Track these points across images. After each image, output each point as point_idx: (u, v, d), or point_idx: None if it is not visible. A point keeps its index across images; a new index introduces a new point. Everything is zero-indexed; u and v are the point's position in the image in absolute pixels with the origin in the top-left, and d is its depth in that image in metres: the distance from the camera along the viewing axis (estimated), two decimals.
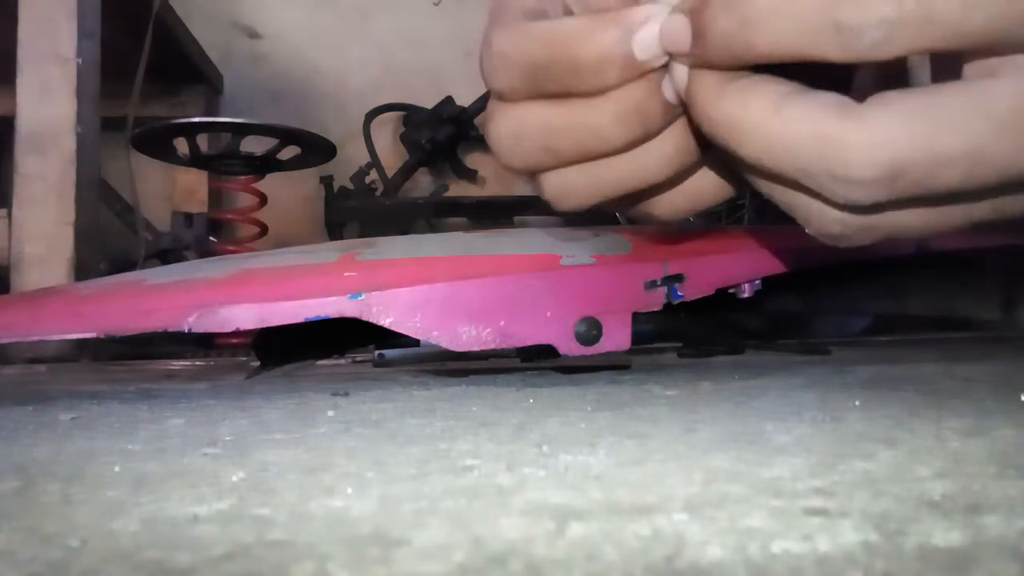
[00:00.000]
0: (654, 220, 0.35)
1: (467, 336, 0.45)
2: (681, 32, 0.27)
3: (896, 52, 0.24)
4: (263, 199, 1.35)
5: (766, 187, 0.29)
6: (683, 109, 0.29)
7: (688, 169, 0.32)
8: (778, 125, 0.26)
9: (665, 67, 0.29)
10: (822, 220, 0.28)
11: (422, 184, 1.81)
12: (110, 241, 1.39)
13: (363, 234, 1.58)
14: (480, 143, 1.79)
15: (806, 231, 0.29)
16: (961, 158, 0.24)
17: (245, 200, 1.44)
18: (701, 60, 0.27)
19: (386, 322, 0.45)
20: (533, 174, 0.32)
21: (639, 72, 0.28)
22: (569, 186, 0.32)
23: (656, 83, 0.29)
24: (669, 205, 0.34)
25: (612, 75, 0.28)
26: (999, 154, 0.24)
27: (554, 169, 0.32)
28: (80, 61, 1.02)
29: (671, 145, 0.30)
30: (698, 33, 0.27)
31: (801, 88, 0.26)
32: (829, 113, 0.25)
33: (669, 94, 0.29)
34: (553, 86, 0.29)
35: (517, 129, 0.30)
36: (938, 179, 0.25)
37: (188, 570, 0.15)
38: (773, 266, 0.50)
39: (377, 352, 0.69)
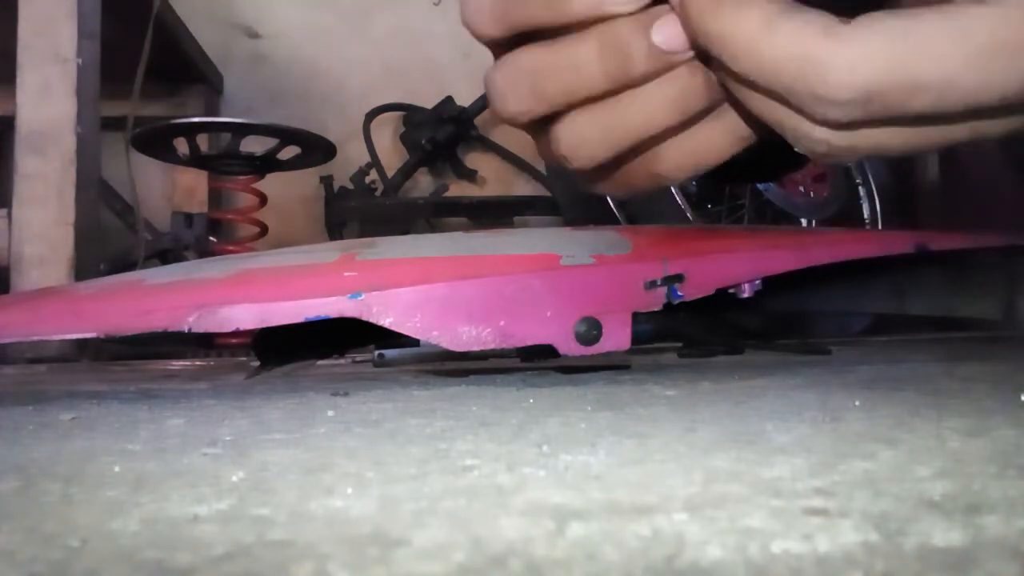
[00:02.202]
0: (663, 181, 0.35)
1: (467, 336, 0.45)
2: None
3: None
4: (263, 199, 1.35)
5: (757, 103, 0.29)
6: (693, 55, 0.30)
7: (696, 117, 0.32)
8: (767, 43, 0.26)
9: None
10: (808, 137, 0.28)
11: (422, 184, 1.81)
12: (110, 241, 1.39)
13: (363, 234, 1.58)
14: (480, 143, 1.80)
15: (795, 151, 0.29)
16: (933, 85, 0.25)
17: (245, 200, 1.44)
18: None
19: (386, 322, 0.45)
20: (531, 128, 0.33)
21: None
22: (581, 137, 0.32)
23: (642, 24, 0.29)
24: (676, 161, 0.34)
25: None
26: (970, 84, 0.24)
27: (546, 115, 0.32)
28: (80, 61, 1.02)
29: (676, 87, 0.31)
30: None
31: (793, 6, 0.26)
32: (814, 32, 0.25)
33: (659, 38, 0.29)
34: (528, 14, 0.30)
35: (507, 74, 0.31)
36: (909, 103, 0.25)
37: (188, 570, 0.15)
38: (773, 266, 0.50)
39: (377, 352, 0.69)
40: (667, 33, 0.29)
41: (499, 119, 0.32)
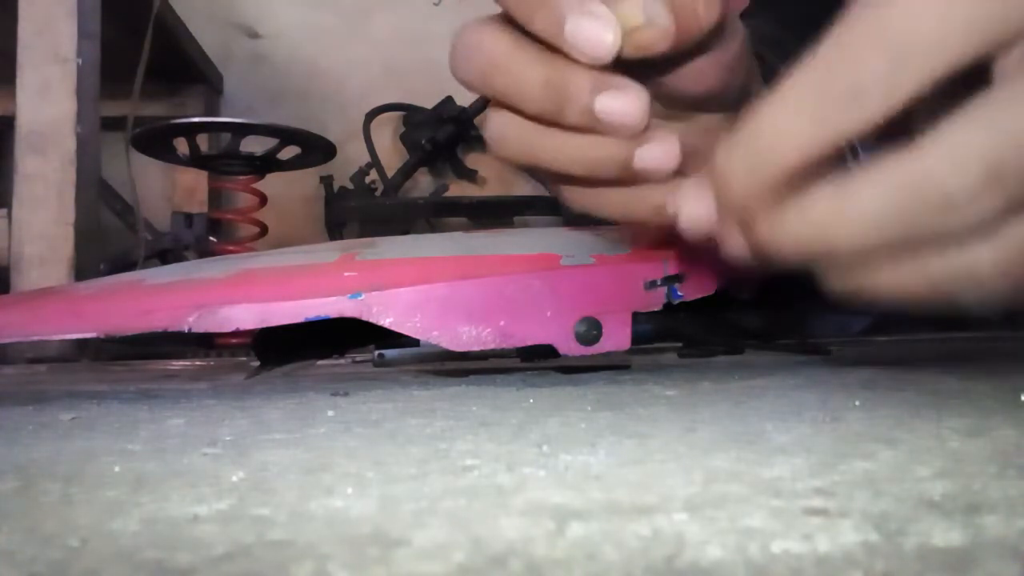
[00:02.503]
0: (594, 212, 0.36)
1: (467, 336, 0.45)
2: (704, 211, 0.28)
3: (900, 105, 0.22)
4: (263, 199, 1.35)
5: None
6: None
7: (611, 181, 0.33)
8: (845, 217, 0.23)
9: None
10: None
11: (422, 184, 1.81)
12: (110, 241, 1.39)
13: (363, 234, 1.58)
14: (480, 143, 1.80)
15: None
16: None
17: (245, 200, 1.44)
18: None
19: (386, 322, 0.45)
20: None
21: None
22: (504, 136, 0.34)
23: (594, 83, 0.30)
24: (609, 205, 0.35)
25: (553, 21, 0.29)
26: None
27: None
28: (80, 61, 1.02)
29: (601, 152, 0.32)
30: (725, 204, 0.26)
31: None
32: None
33: (600, 106, 0.30)
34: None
35: (469, 44, 0.32)
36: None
37: (188, 570, 0.15)
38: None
39: (377, 352, 0.69)
40: (611, 104, 0.29)
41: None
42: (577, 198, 0.35)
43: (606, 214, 0.35)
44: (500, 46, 0.31)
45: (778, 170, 0.23)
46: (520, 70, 0.30)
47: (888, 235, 0.23)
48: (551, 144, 0.32)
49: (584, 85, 0.29)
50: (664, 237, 0.46)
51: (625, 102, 0.29)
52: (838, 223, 0.23)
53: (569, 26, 0.28)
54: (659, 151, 0.31)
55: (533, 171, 0.35)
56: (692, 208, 0.28)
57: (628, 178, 0.32)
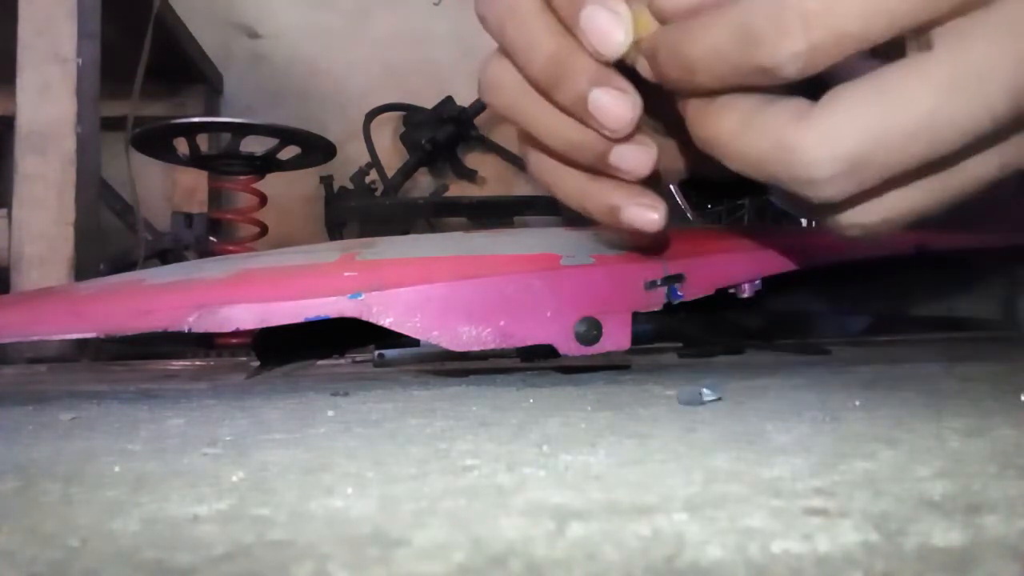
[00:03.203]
0: (553, 192, 0.37)
1: (467, 336, 0.45)
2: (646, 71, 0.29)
3: (821, 68, 0.25)
4: (263, 199, 1.35)
5: (773, 194, 0.30)
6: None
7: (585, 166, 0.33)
8: (745, 139, 0.27)
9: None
10: (836, 225, 0.29)
11: (422, 184, 1.81)
12: (110, 241, 1.39)
13: (363, 234, 1.58)
14: (480, 143, 1.80)
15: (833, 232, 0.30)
16: (915, 132, 0.25)
17: (245, 200, 1.44)
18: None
19: (386, 322, 0.45)
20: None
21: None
22: (498, 83, 0.35)
23: (595, 77, 0.30)
24: (567, 185, 0.36)
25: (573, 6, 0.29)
26: (951, 117, 0.25)
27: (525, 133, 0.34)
28: (80, 61, 1.02)
29: (578, 138, 0.33)
30: (657, 76, 0.28)
31: (769, 99, 0.27)
32: (786, 120, 0.26)
33: (594, 97, 0.30)
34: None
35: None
36: (902, 157, 0.25)
37: (188, 570, 0.15)
38: (773, 266, 0.50)
39: (377, 352, 0.69)
40: (604, 97, 0.30)
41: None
42: (540, 169, 0.36)
43: (559, 195, 0.36)
44: (529, 5, 0.31)
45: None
46: (534, 32, 0.31)
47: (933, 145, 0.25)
48: (536, 110, 0.32)
49: (585, 72, 0.30)
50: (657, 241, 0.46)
51: (618, 104, 0.29)
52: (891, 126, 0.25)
53: (586, 12, 0.28)
54: (637, 155, 0.31)
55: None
56: (641, 214, 0.31)
57: (597, 169, 0.32)
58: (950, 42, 0.24)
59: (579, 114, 0.30)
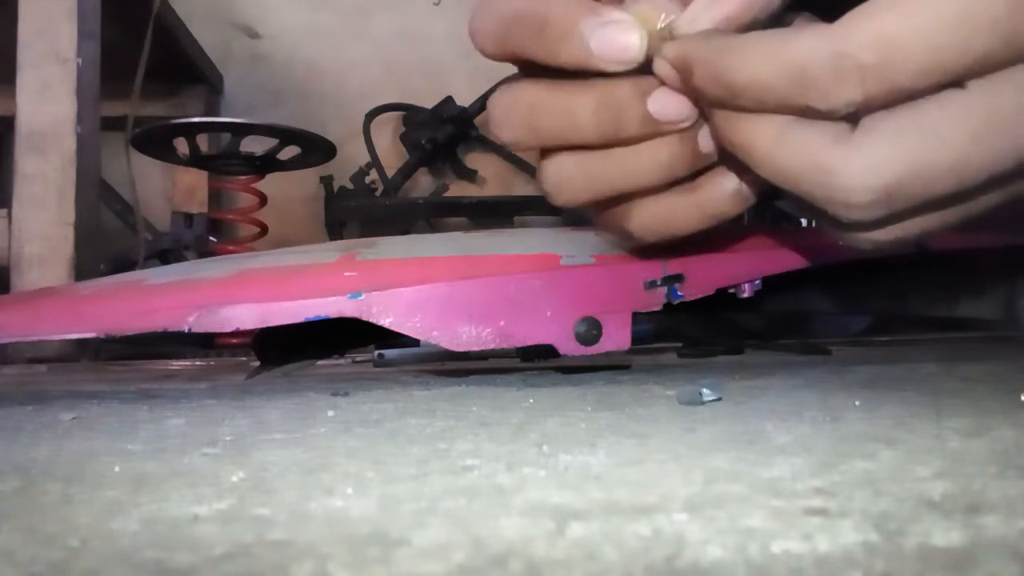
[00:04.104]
0: (632, 239, 0.36)
1: (467, 336, 0.45)
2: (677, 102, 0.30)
3: (871, 111, 0.26)
4: (263, 199, 1.35)
5: (794, 202, 0.30)
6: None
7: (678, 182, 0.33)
8: (781, 154, 0.27)
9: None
10: (853, 239, 0.30)
11: (422, 184, 1.81)
12: (110, 241, 1.39)
13: (363, 234, 1.58)
14: (480, 143, 1.80)
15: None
16: (950, 168, 0.26)
17: (245, 200, 1.44)
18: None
19: (386, 322, 0.45)
20: (536, 152, 0.34)
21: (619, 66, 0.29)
22: (566, 178, 0.33)
23: (640, 89, 0.30)
24: (644, 222, 0.35)
25: (578, 46, 0.29)
26: (982, 157, 0.26)
27: (539, 149, 0.33)
28: (80, 61, 1.02)
29: (665, 153, 0.31)
30: (689, 89, 0.28)
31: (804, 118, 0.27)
32: (824, 141, 0.27)
33: (655, 107, 0.30)
34: (522, 45, 0.31)
35: (507, 102, 0.32)
36: (932, 190, 0.27)
37: (188, 570, 0.15)
38: (773, 266, 0.50)
39: (377, 352, 0.69)
40: (663, 102, 0.30)
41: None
42: (648, 220, 0.34)
43: (681, 226, 0.35)
44: (539, 92, 0.31)
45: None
46: (567, 104, 0.31)
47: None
48: (616, 164, 0.32)
49: (633, 94, 0.30)
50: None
51: (675, 97, 0.29)
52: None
53: (594, 42, 0.28)
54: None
55: (595, 212, 0.35)
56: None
57: (698, 167, 0.32)
58: (983, 85, 0.26)
59: (651, 132, 0.30)
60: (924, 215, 0.29)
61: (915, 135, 0.26)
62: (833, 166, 0.26)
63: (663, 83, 0.30)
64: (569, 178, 0.33)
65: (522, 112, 0.32)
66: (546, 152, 0.33)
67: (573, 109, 0.30)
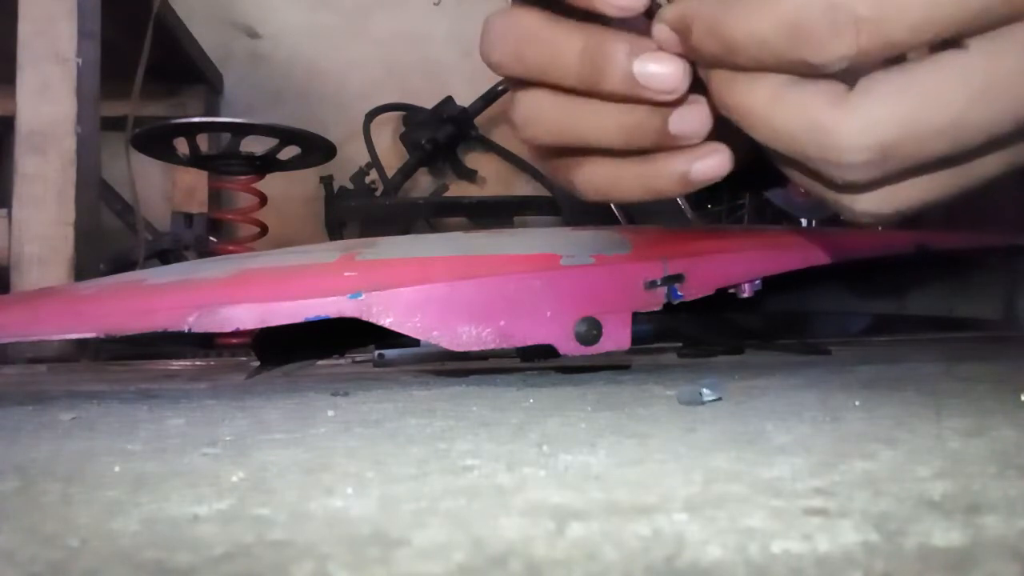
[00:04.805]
0: (609, 198, 0.36)
1: (467, 336, 0.45)
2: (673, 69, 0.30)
3: (867, 67, 0.26)
4: (263, 199, 1.35)
5: (787, 170, 0.31)
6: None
7: (646, 150, 0.33)
8: (777, 114, 0.28)
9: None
10: (848, 209, 0.30)
11: (422, 184, 1.81)
12: (110, 241, 1.39)
13: (363, 234, 1.58)
14: (480, 143, 1.80)
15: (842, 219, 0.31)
16: (945, 129, 0.26)
17: (245, 200, 1.44)
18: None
19: (386, 322, 0.45)
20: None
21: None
22: (536, 113, 0.34)
23: (630, 47, 0.30)
24: (625, 183, 0.35)
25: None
26: (980, 118, 0.26)
27: (518, 80, 0.33)
28: (80, 61, 1.02)
29: (635, 120, 0.32)
30: (687, 48, 0.29)
31: (801, 78, 0.27)
32: (821, 101, 0.27)
33: (639, 68, 0.30)
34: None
35: (502, 28, 0.32)
36: (927, 151, 0.27)
37: (188, 570, 0.15)
38: (773, 266, 0.50)
39: (377, 352, 0.69)
40: (648, 65, 0.30)
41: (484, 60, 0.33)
42: (596, 182, 0.35)
43: (619, 195, 0.35)
44: (533, 22, 0.31)
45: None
46: (556, 40, 0.31)
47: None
48: (586, 114, 0.32)
49: (622, 49, 0.30)
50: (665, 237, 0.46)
51: (664, 65, 0.30)
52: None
53: None
54: (694, 115, 0.31)
55: (549, 161, 0.35)
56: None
57: (661, 145, 0.32)
58: (984, 46, 0.26)
59: (630, 93, 0.30)
60: (920, 179, 0.29)
61: (911, 95, 0.26)
62: (829, 125, 0.26)
63: (659, 48, 0.30)
64: (540, 114, 0.33)
65: (513, 38, 0.32)
66: (526, 84, 0.33)
67: (561, 47, 0.31)
